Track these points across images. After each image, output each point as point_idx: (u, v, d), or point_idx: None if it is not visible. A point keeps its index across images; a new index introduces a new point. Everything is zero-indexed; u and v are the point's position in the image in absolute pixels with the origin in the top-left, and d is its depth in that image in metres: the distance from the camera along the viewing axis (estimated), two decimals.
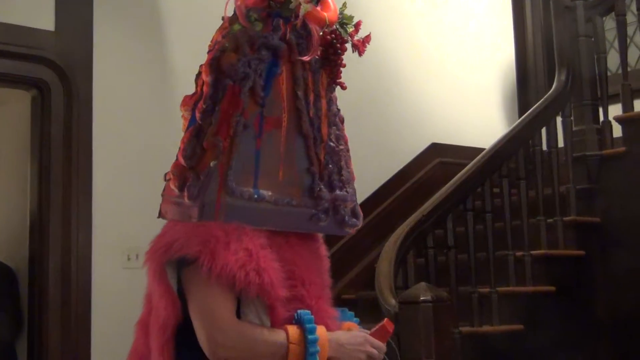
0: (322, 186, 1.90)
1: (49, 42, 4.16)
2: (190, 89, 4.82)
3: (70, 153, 4.14)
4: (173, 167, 1.86)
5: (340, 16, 1.98)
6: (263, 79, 1.85)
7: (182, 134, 1.92)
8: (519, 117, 5.20)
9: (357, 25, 2.00)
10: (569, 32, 4.65)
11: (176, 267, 1.81)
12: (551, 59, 4.96)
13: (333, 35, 1.93)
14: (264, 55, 1.85)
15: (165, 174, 1.89)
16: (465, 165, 4.20)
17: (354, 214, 1.98)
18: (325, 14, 1.91)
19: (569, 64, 4.59)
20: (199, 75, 1.95)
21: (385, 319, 1.97)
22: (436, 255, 3.92)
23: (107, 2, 4.36)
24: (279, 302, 1.76)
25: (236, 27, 1.87)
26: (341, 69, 1.98)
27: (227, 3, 1.89)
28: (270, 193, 1.83)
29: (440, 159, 5.52)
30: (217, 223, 1.77)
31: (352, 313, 2.05)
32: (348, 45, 2.01)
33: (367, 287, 3.90)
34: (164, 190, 1.89)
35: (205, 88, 1.87)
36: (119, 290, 4.19)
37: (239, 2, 1.87)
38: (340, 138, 1.98)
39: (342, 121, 2.04)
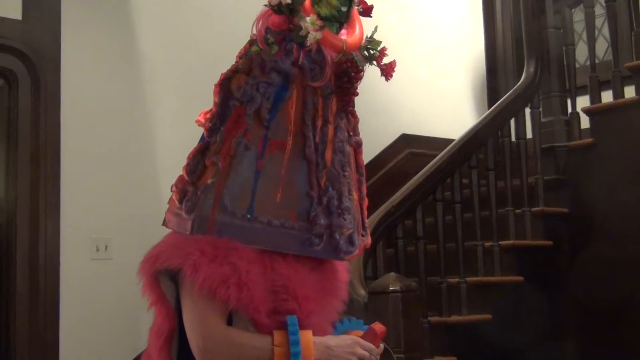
0: (318, 211, 1.91)
1: (16, 31, 4.12)
2: (160, 76, 4.82)
3: (37, 143, 4.10)
4: (177, 180, 1.90)
5: (370, 40, 1.98)
6: (271, 102, 1.87)
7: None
8: (488, 108, 5.23)
9: (382, 51, 1.99)
10: (538, 23, 4.69)
11: (172, 276, 1.86)
12: (520, 51, 4.99)
13: (349, 64, 1.92)
14: (273, 78, 1.87)
15: (172, 186, 1.93)
16: (435, 156, 4.21)
17: (350, 242, 1.97)
18: (343, 39, 1.90)
19: (537, 56, 4.62)
20: None
21: (376, 322, 1.97)
22: (405, 246, 3.94)
23: None
24: (261, 315, 1.80)
25: (254, 48, 1.89)
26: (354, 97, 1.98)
27: (254, 22, 1.90)
28: (264, 214, 1.87)
29: (410, 149, 5.54)
30: (207, 237, 1.82)
31: (361, 321, 2.04)
32: (374, 70, 2.00)
33: None
34: (169, 200, 1.93)
35: (213, 107, 1.89)
36: (88, 281, 4.18)
37: (260, 25, 1.89)
38: (345, 165, 1.97)
39: (360, 145, 2.06)
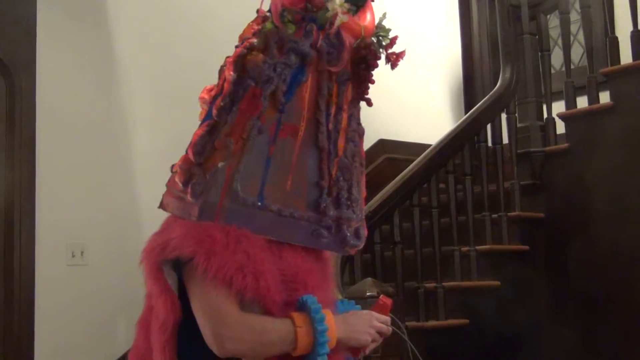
0: (328, 202, 1.85)
1: None
2: (137, 82, 4.79)
3: (12, 148, 4.07)
4: (181, 161, 1.78)
5: (378, 28, 1.93)
6: (286, 85, 1.79)
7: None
8: (465, 113, 5.25)
9: (393, 40, 1.95)
10: (513, 30, 4.71)
11: (173, 265, 1.76)
12: (496, 57, 5.01)
13: (367, 51, 1.87)
14: (291, 60, 1.79)
15: (172, 166, 1.82)
16: (412, 161, 4.22)
17: (356, 235, 1.92)
18: (362, 25, 1.85)
19: (513, 62, 4.64)
20: (222, 68, 1.85)
21: (381, 295, 1.96)
22: (383, 251, 3.94)
23: None
24: (276, 306, 1.73)
25: (268, 25, 1.80)
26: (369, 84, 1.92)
27: None
28: (275, 202, 1.79)
29: (387, 155, 5.54)
30: (217, 224, 1.73)
31: (353, 302, 1.98)
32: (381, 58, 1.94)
33: None
34: (168, 181, 1.82)
35: (226, 85, 1.78)
36: (63, 287, 4.14)
37: (275, 1, 1.81)
38: (356, 155, 1.92)
39: (362, 135, 1.98)
